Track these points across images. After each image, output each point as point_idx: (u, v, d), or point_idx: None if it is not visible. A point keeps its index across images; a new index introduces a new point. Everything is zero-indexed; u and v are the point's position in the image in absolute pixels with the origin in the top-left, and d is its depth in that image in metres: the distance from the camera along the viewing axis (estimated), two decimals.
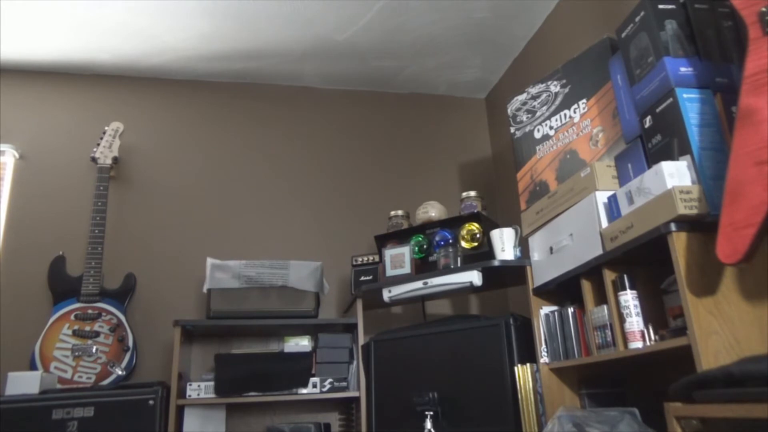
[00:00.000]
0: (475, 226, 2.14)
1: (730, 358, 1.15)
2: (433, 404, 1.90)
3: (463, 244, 2.15)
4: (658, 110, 1.42)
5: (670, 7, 1.47)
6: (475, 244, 2.13)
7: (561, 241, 1.71)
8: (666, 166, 1.32)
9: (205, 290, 2.27)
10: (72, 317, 2.24)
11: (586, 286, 1.62)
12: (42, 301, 2.36)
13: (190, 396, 2.11)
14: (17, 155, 2.57)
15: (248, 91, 2.94)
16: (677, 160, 1.34)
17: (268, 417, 2.40)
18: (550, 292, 1.87)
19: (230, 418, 2.34)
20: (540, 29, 2.61)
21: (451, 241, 2.18)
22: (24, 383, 1.96)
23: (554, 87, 1.94)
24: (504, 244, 1.99)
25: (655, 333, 1.38)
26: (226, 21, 2.46)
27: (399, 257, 2.20)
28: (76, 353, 2.19)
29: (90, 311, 2.27)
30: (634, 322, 1.41)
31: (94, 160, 2.50)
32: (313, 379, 2.21)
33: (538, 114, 1.99)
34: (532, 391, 1.76)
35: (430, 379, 1.97)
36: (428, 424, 1.86)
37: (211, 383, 2.13)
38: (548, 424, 1.55)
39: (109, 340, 2.25)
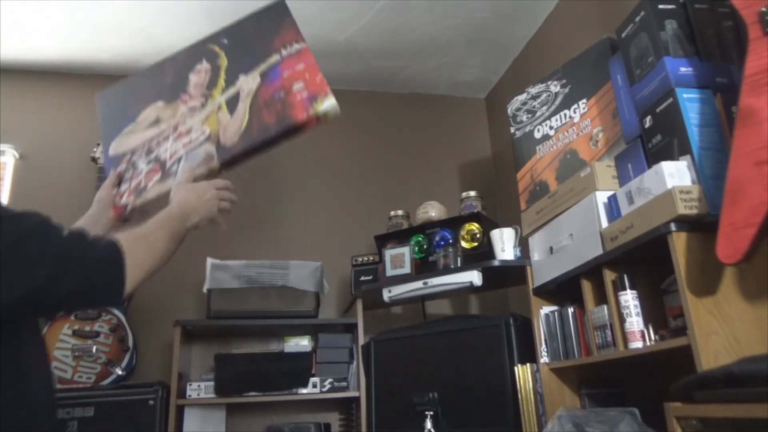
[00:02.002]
0: (475, 226, 2.14)
1: (730, 358, 1.15)
2: (433, 404, 1.90)
3: (463, 244, 2.15)
4: (658, 110, 1.42)
5: (670, 7, 1.47)
6: (475, 244, 2.13)
7: (561, 241, 1.71)
8: (666, 166, 1.32)
9: (205, 290, 2.27)
10: (72, 317, 2.24)
11: (586, 286, 1.62)
12: None
13: (190, 396, 2.11)
14: (17, 155, 2.57)
15: None
16: (677, 160, 1.34)
17: (268, 417, 2.40)
18: (550, 292, 1.86)
19: (230, 418, 2.34)
20: (540, 29, 2.61)
21: (451, 241, 2.18)
22: None
23: (554, 87, 1.94)
24: (504, 244, 1.99)
25: (655, 333, 1.38)
26: (226, 21, 2.45)
27: (399, 257, 2.20)
28: (76, 353, 2.19)
29: (90, 311, 2.27)
30: (634, 322, 1.41)
31: (94, 160, 2.50)
32: (313, 379, 2.21)
33: (538, 114, 1.99)
34: (532, 391, 1.76)
35: (430, 379, 1.97)
36: (428, 424, 1.86)
37: (211, 383, 2.13)
38: (548, 424, 1.55)
39: (109, 340, 2.24)
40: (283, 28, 1.76)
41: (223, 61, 1.77)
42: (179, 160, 1.58)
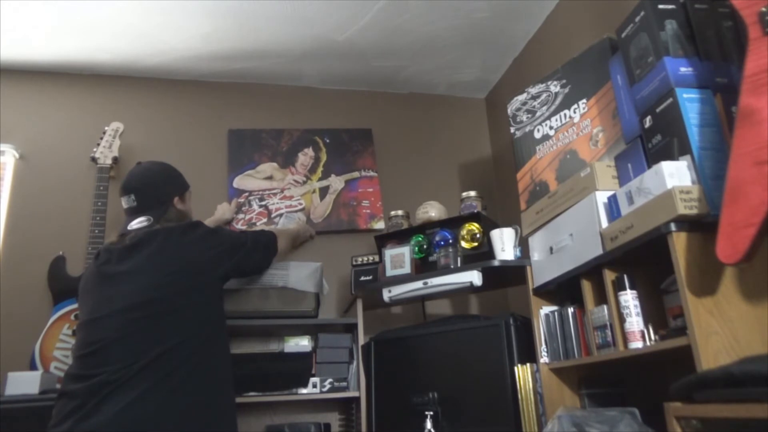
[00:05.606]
0: (475, 226, 2.14)
1: (730, 358, 1.15)
2: (433, 404, 1.90)
3: (463, 244, 2.15)
4: (658, 110, 1.42)
5: (670, 7, 1.47)
6: (475, 244, 2.13)
7: (561, 241, 1.71)
8: (666, 166, 1.32)
9: None
10: (72, 317, 2.24)
11: (586, 286, 1.62)
12: (42, 301, 2.35)
13: None
14: (17, 155, 2.57)
15: (248, 91, 2.94)
16: (677, 160, 1.34)
17: (268, 417, 2.40)
18: (550, 292, 1.87)
19: None
20: (540, 29, 2.61)
21: (451, 241, 2.18)
22: (24, 383, 1.96)
23: (554, 87, 1.94)
24: (504, 244, 1.99)
25: (655, 333, 1.38)
26: (226, 21, 2.46)
27: (399, 257, 2.20)
28: None
29: None
30: (634, 322, 1.41)
31: (94, 160, 2.50)
32: (313, 379, 2.21)
33: (538, 114, 1.99)
34: (532, 391, 1.76)
35: (430, 379, 1.97)
36: (428, 424, 1.86)
37: None
38: (548, 424, 1.55)
39: None
40: (367, 151, 2.84)
41: (323, 156, 2.76)
42: (281, 215, 2.64)
